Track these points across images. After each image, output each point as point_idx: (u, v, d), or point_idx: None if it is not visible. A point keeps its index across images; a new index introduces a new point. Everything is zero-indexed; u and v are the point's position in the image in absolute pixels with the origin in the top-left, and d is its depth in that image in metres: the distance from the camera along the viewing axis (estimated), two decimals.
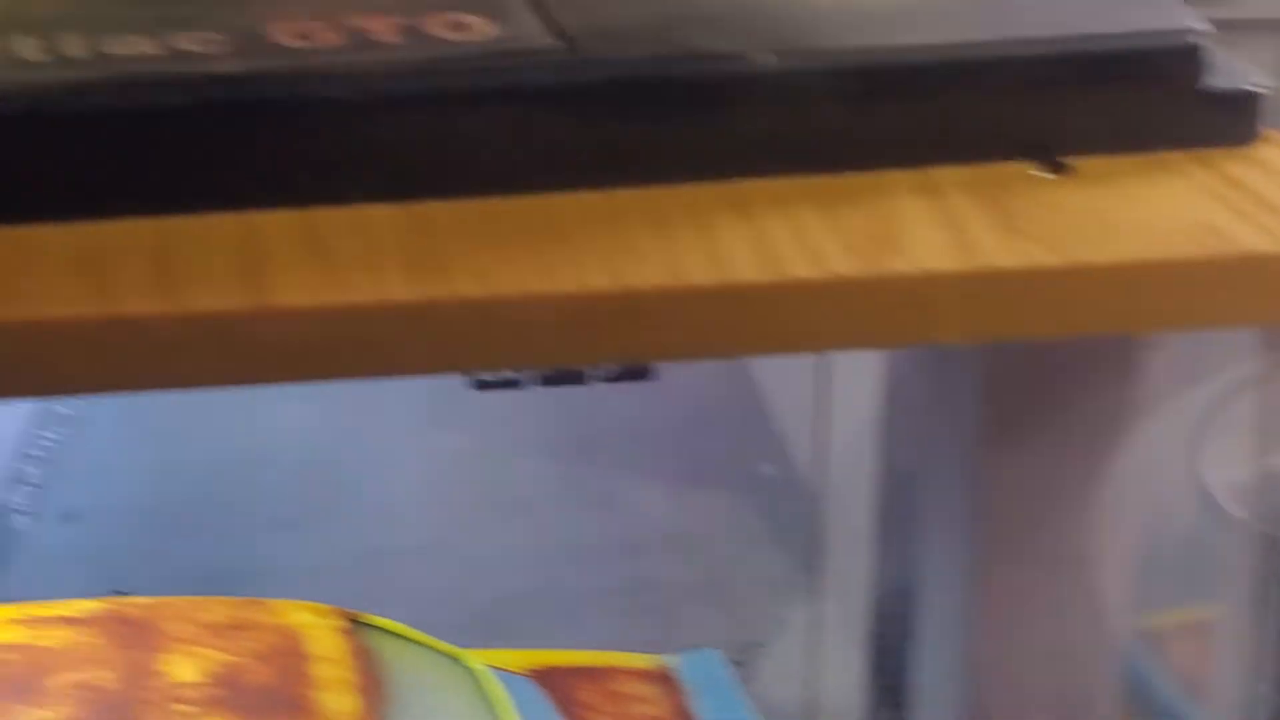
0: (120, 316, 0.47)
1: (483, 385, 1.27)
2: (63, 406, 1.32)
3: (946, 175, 0.55)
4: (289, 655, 0.86)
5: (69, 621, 0.87)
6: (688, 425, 1.27)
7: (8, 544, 1.23)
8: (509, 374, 1.25)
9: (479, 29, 0.56)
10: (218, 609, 0.89)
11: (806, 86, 0.55)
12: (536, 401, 1.29)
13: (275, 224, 0.51)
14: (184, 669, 0.84)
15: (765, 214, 0.52)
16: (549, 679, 0.97)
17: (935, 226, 0.52)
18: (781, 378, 1.28)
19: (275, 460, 1.25)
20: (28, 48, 0.53)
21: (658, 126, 0.54)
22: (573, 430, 1.26)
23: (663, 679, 1.00)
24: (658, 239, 0.51)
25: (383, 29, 0.55)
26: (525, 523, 1.27)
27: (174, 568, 1.24)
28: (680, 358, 0.50)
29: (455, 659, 0.94)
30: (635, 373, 1.27)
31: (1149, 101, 0.56)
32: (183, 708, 0.83)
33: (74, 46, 0.53)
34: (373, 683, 0.87)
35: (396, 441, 1.26)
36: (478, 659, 0.95)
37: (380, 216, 0.52)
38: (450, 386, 1.28)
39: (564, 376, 1.28)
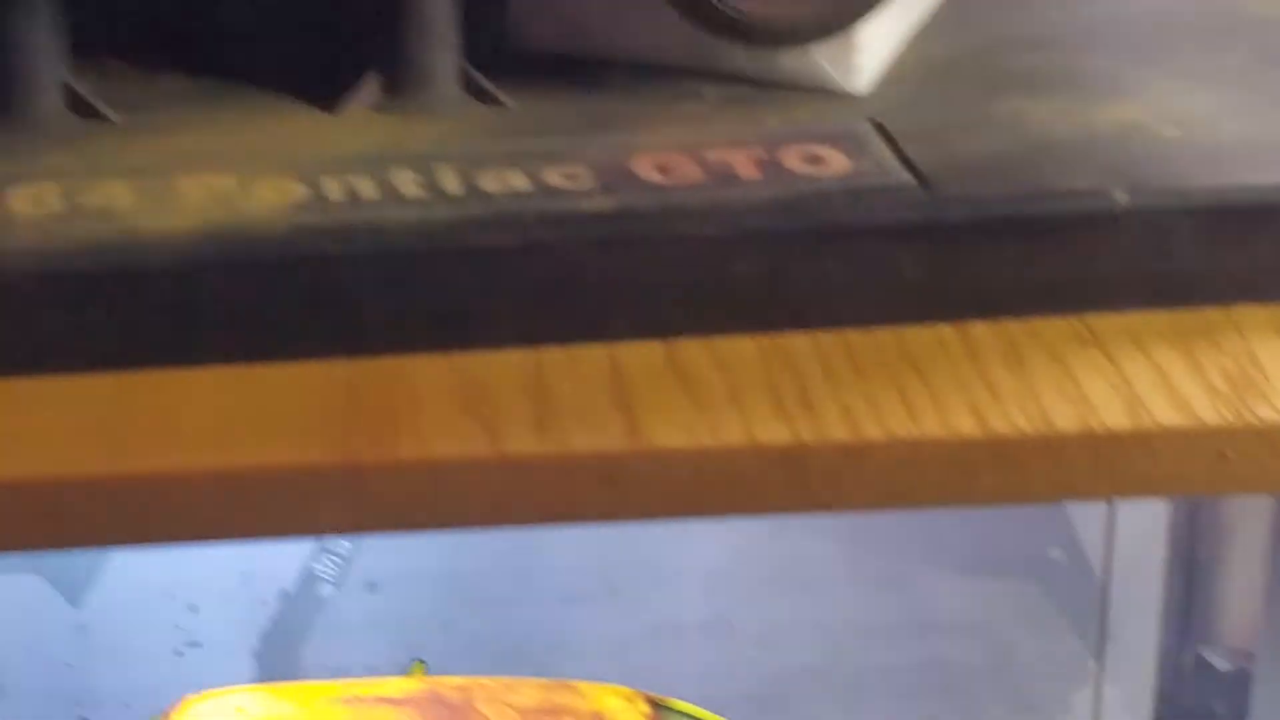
0: (509, 457, 0.49)
1: None
2: None
3: None
4: None
5: (389, 702, 0.89)
6: (978, 509, 1.27)
7: (314, 612, 1.26)
8: None
9: (835, 163, 0.57)
10: (530, 691, 0.91)
11: (1161, 224, 0.55)
12: None
13: (641, 355, 0.53)
14: None
15: (1123, 352, 0.53)
16: None
17: None
18: None
19: (567, 533, 1.27)
20: (406, 183, 0.55)
21: (1013, 262, 0.55)
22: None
23: None
24: (1016, 378, 0.52)
25: (741, 162, 0.57)
26: (813, 601, 1.28)
27: (470, 638, 1.26)
28: (1045, 500, 0.50)
29: None
30: None
31: None
32: None
33: (450, 182, 0.55)
34: None
35: None
36: None
37: (742, 349, 0.53)
38: None
39: None
